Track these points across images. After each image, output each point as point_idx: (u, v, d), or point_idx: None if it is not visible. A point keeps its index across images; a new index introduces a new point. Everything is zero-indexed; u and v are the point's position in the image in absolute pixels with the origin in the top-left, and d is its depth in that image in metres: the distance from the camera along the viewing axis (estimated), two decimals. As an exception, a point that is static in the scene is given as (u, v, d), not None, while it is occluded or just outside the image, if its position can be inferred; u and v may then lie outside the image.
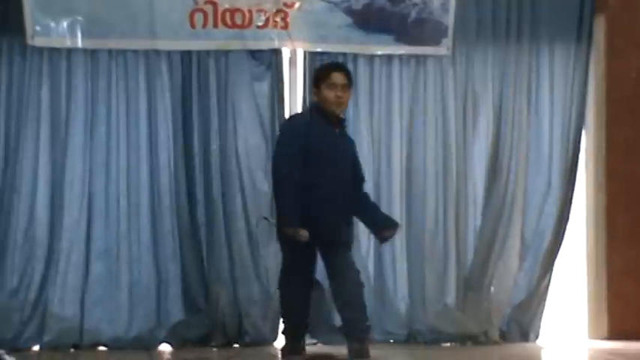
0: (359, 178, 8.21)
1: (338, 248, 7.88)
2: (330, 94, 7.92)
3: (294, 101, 9.07)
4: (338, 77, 7.99)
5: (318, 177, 7.78)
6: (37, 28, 8.61)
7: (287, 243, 7.87)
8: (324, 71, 8.16)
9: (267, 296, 8.71)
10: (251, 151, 8.88)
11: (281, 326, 8.30)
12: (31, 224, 8.72)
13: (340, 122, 8.05)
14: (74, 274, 8.72)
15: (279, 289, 8.11)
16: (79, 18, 8.68)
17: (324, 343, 8.70)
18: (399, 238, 9.01)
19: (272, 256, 8.70)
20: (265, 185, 8.65)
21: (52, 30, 8.67)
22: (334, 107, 7.94)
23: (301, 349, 7.97)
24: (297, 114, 8.61)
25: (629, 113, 9.33)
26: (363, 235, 8.93)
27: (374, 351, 7.99)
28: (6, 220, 8.68)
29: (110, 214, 8.84)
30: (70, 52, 8.76)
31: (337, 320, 8.38)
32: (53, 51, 8.75)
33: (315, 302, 8.42)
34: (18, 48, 8.72)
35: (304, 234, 7.65)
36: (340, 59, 8.91)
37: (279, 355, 8.02)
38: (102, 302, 8.75)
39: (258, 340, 8.66)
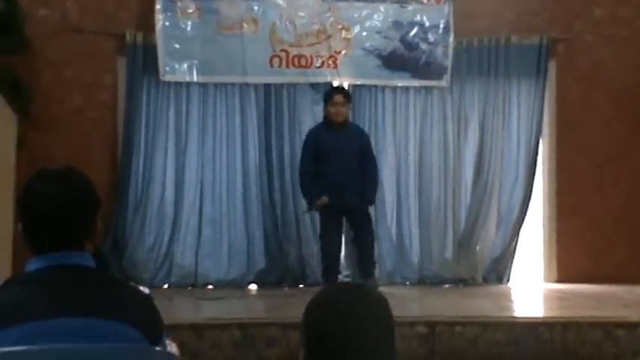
0: (366, 165, 8.84)
1: (352, 214, 8.80)
2: (332, 110, 8.84)
3: None
4: (338, 98, 8.83)
5: (327, 167, 8.65)
6: (167, 68, 9.50)
7: (320, 214, 8.93)
8: (328, 94, 9.01)
9: None
10: None
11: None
12: (161, 203, 9.69)
13: (342, 126, 8.83)
14: (191, 236, 9.69)
15: (320, 242, 9.02)
16: (195, 62, 9.58)
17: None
18: (414, 211, 9.91)
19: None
20: None
21: (177, 70, 9.54)
22: (335, 118, 8.83)
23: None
24: (312, 129, 9.18)
25: (571, 125, 10.04)
26: (388, 209, 9.86)
27: (396, 289, 9.02)
28: (145, 201, 9.61)
29: (215, 196, 9.75)
30: (189, 85, 9.67)
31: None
32: (177, 84, 9.65)
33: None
34: (154, 82, 9.60)
35: (322, 200, 8.69)
36: (372, 90, 9.87)
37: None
38: (210, 255, 9.68)
39: (316, 282, 9.23)
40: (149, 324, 2.78)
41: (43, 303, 2.65)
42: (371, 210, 9.19)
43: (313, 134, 8.98)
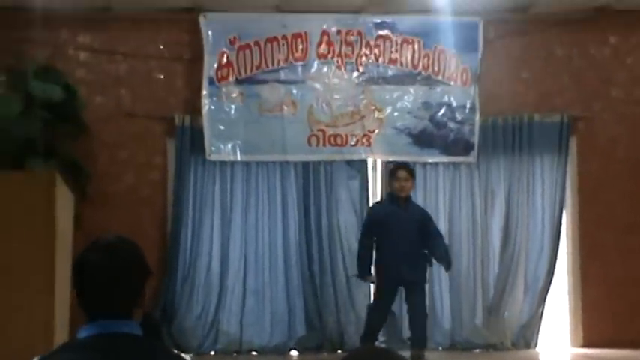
0: (431, 233, 8.81)
1: (409, 286, 8.75)
2: (396, 185, 8.92)
3: (375, 193, 9.97)
4: (401, 173, 8.93)
5: (388, 239, 8.69)
6: (213, 148, 9.74)
7: (378, 284, 8.89)
8: (393, 169, 9.17)
9: (358, 319, 9.49)
10: (348, 225, 9.84)
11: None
12: (208, 274, 9.78)
13: (406, 202, 8.92)
14: (235, 305, 9.78)
15: (367, 310, 9.02)
16: (238, 142, 9.80)
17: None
18: (445, 280, 9.87)
19: (361, 294, 9.64)
20: (356, 247, 9.19)
21: (222, 150, 9.77)
22: (399, 193, 8.93)
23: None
24: (375, 203, 9.46)
25: (593, 198, 10.14)
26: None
27: (430, 354, 9.01)
28: (193, 272, 9.73)
29: (258, 267, 9.85)
30: (233, 164, 9.86)
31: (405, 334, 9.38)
32: (222, 163, 9.85)
33: (390, 323, 9.41)
34: (200, 161, 9.81)
35: (370, 278, 8.87)
36: None
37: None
38: (253, 323, 9.75)
39: (354, 348, 8.70)
40: None
41: None
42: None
43: (376, 208, 9.11)
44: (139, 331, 2.89)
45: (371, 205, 9.65)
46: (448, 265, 8.99)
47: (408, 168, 9.16)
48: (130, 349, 2.82)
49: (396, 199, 8.94)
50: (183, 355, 3.14)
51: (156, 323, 7.60)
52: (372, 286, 9.29)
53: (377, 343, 9.23)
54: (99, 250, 2.88)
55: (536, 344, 9.96)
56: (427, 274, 9.06)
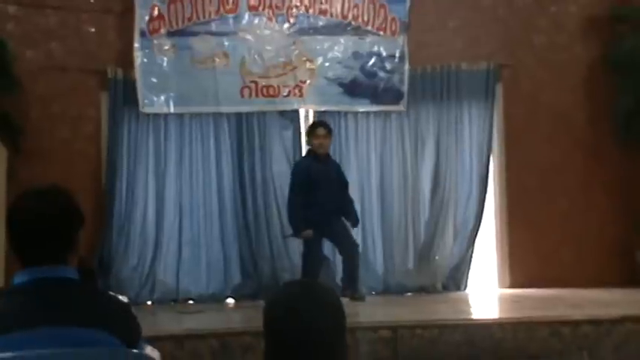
0: (343, 186, 9.14)
1: (337, 236, 9.05)
2: (315, 142, 9.04)
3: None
4: (320, 130, 9.05)
5: (314, 196, 8.82)
6: (146, 101, 9.61)
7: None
8: (311, 127, 9.26)
9: (293, 266, 9.54)
10: (281, 175, 9.74)
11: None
12: (144, 224, 9.72)
13: (325, 158, 9.07)
14: (171, 255, 9.73)
15: (303, 260, 9.04)
16: (171, 94, 9.67)
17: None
18: (377, 227, 10.02)
19: (295, 242, 9.44)
20: None
21: (155, 102, 9.65)
22: (317, 149, 9.02)
23: None
24: (300, 159, 9.44)
25: (518, 143, 10.23)
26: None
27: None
28: (128, 223, 9.66)
29: (193, 218, 9.81)
30: (166, 116, 9.75)
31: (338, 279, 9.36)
32: (155, 116, 9.75)
33: (325, 271, 9.37)
34: (134, 114, 9.68)
35: (308, 233, 8.83)
36: (335, 116, 9.95)
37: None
38: (189, 273, 9.73)
39: None
40: (127, 330, 2.85)
41: (27, 314, 2.71)
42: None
43: (303, 166, 9.08)
44: (74, 276, 2.88)
45: (295, 163, 9.60)
46: (355, 222, 9.21)
47: (326, 124, 9.23)
48: (66, 293, 2.81)
49: (317, 156, 9.02)
50: (119, 296, 3.11)
51: (90, 268, 7.62)
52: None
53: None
54: (31, 197, 2.84)
55: (465, 286, 10.06)
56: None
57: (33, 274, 2.79)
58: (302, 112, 10.11)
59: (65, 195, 2.90)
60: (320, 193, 8.83)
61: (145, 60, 9.61)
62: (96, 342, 2.72)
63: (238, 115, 9.92)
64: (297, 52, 9.93)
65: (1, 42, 9.08)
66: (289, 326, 2.39)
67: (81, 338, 2.71)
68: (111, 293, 3.07)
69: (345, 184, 9.21)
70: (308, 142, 9.18)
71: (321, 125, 9.21)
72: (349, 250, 9.12)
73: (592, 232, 10.18)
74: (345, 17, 10.03)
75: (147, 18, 9.64)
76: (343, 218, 9.14)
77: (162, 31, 9.69)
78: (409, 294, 9.84)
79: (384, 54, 10.07)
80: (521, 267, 10.14)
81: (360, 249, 9.74)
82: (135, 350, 2.84)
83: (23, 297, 2.76)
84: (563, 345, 6.95)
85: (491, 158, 10.23)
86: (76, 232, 2.88)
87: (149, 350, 3.05)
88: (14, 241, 2.83)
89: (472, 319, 7.81)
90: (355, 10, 10.04)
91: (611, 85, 10.04)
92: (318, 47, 9.98)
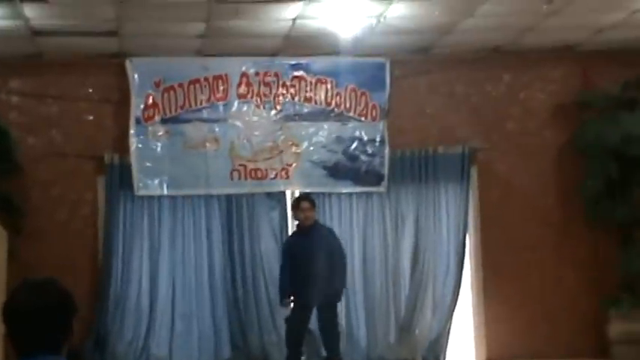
0: (335, 252, 9.24)
1: (320, 307, 9.14)
2: (301, 215, 9.21)
3: (294, 222, 9.66)
4: (304, 204, 9.25)
5: (297, 268, 9.01)
6: (141, 184, 9.82)
7: (292, 307, 9.22)
8: (296, 202, 9.44)
9: (280, 339, 9.56)
10: (269, 253, 9.94)
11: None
12: (138, 301, 9.79)
13: (311, 228, 9.17)
14: (165, 330, 9.81)
15: (286, 330, 9.17)
16: (165, 177, 9.89)
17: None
18: (360, 300, 10.04)
19: (282, 316, 9.49)
20: (277, 272, 9.51)
21: (149, 185, 9.86)
22: (304, 222, 9.20)
23: None
24: (289, 236, 9.68)
25: (494, 223, 10.36)
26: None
27: None
28: (124, 300, 9.73)
29: (185, 294, 9.89)
30: (160, 198, 9.93)
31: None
32: (149, 198, 9.92)
33: (308, 342, 9.54)
34: (130, 196, 9.86)
35: (286, 302, 9.15)
36: (320, 196, 9.95)
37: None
38: (182, 345, 9.81)
39: None
40: None
41: None
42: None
43: (288, 244, 9.37)
44: None
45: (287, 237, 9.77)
46: (341, 286, 9.35)
47: (309, 198, 9.40)
48: None
49: (304, 228, 9.20)
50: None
51: (77, 352, 7.73)
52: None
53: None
54: (27, 290, 2.92)
55: (444, 358, 10.07)
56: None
57: None
58: (288, 194, 10.22)
59: (59, 288, 2.96)
60: (303, 268, 8.97)
61: (140, 145, 9.82)
62: None
63: (228, 196, 10.05)
64: (283, 137, 10.12)
65: (4, 130, 9.34)
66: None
67: None
68: None
69: (337, 247, 9.30)
70: (294, 216, 9.34)
71: (304, 199, 9.36)
72: (330, 324, 9.24)
73: (564, 307, 10.21)
74: (328, 104, 10.25)
75: (142, 106, 9.87)
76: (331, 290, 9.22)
77: (157, 118, 9.92)
78: (390, 366, 9.83)
79: (366, 138, 10.24)
80: (498, 339, 10.16)
81: (344, 322, 9.94)
82: None
83: None
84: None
85: (467, 236, 10.32)
86: (70, 323, 2.95)
87: None
88: (9, 332, 2.92)
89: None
90: (338, 97, 10.25)
91: (579, 167, 10.20)
92: (303, 132, 10.18)
